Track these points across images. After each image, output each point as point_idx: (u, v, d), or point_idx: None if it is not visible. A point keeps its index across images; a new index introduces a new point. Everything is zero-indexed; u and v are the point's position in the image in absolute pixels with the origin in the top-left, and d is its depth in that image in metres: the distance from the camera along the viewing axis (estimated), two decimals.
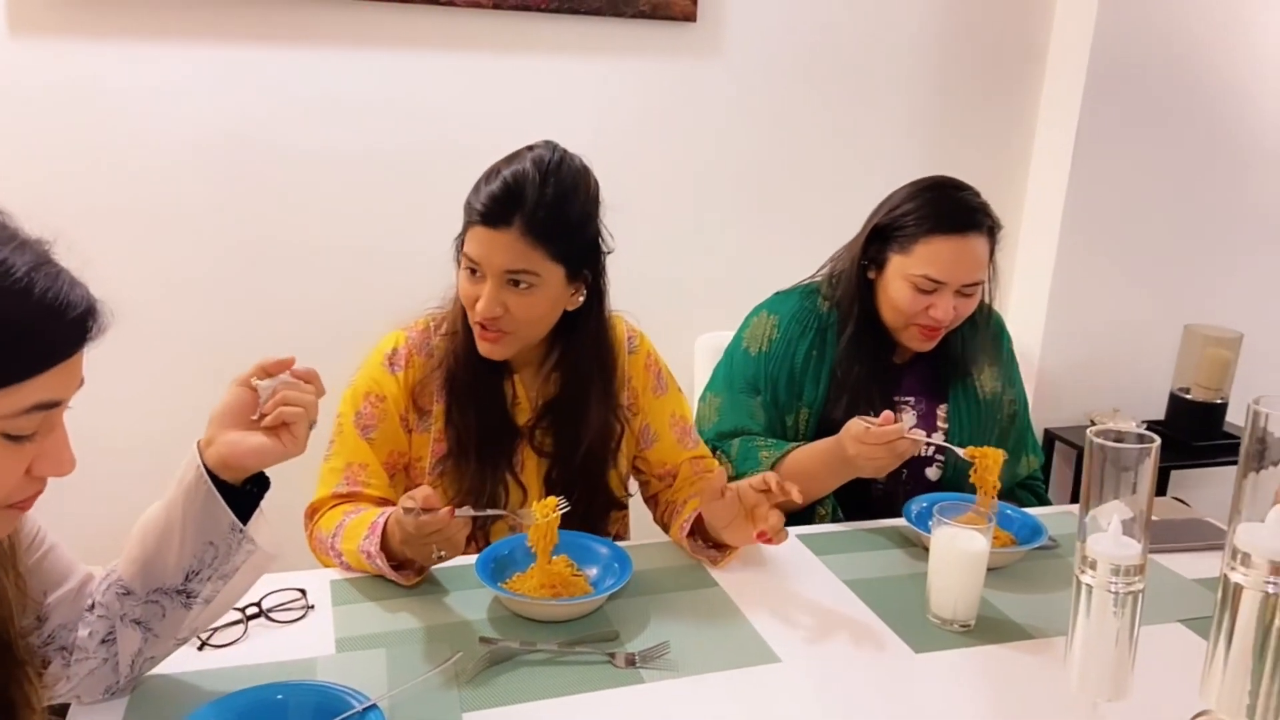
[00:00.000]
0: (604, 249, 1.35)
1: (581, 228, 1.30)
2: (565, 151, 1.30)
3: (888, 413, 1.37)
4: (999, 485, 1.37)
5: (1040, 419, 2.48)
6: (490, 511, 1.23)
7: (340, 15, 2.03)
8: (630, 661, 1.09)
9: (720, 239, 2.39)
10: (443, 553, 1.14)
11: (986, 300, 1.61)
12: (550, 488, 1.36)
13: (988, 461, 1.36)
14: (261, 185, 2.08)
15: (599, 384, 1.38)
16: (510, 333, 1.29)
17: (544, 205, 1.23)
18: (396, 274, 2.01)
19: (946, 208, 1.51)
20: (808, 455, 1.49)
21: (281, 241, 2.11)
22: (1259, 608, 0.66)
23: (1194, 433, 2.43)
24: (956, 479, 1.60)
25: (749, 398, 1.62)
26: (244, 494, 0.95)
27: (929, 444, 1.57)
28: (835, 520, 1.56)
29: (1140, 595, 0.77)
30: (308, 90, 2.06)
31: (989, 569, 1.28)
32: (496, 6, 2.07)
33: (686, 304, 2.35)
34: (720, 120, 2.30)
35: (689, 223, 2.36)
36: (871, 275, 1.58)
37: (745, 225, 2.40)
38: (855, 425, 1.38)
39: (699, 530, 1.34)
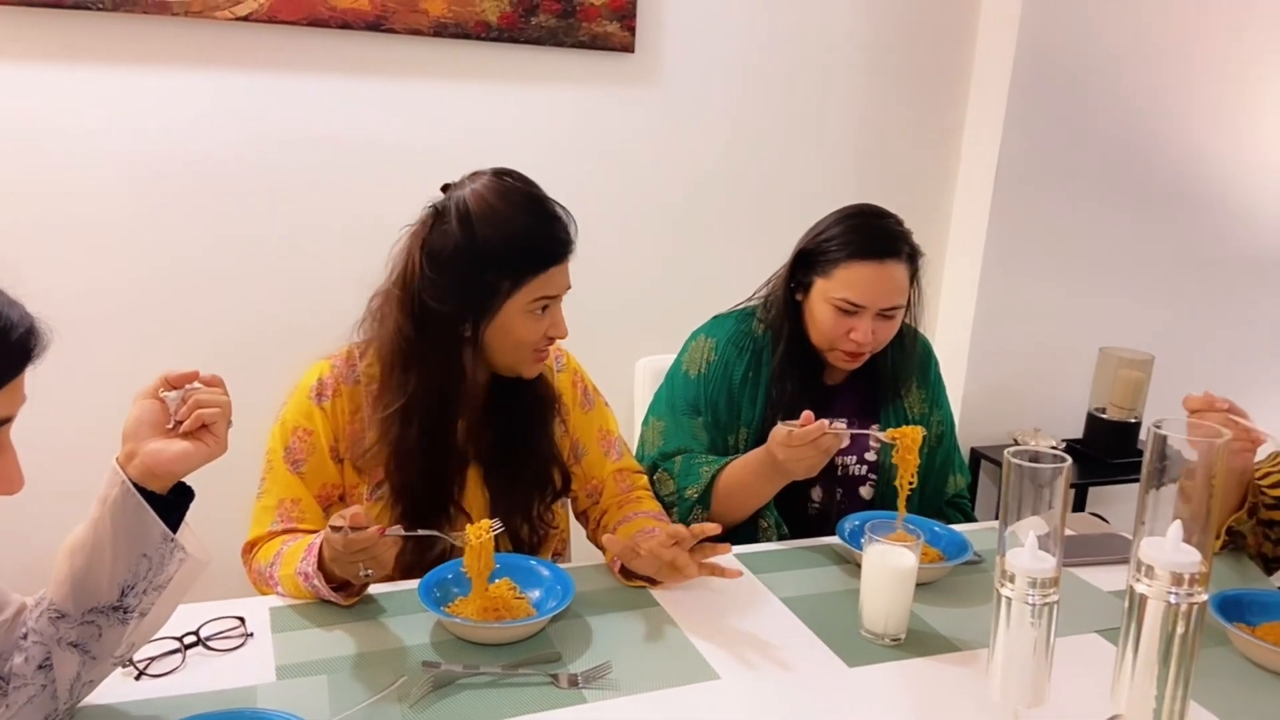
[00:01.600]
0: None
1: None
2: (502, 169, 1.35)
3: (808, 413, 1.42)
4: (919, 461, 1.44)
5: (967, 439, 2.57)
6: (422, 532, 1.23)
7: (278, 40, 2.03)
8: (573, 682, 1.10)
9: (660, 264, 2.43)
10: (370, 572, 1.15)
11: (912, 324, 1.67)
12: (494, 511, 1.37)
13: (908, 441, 1.43)
14: (197, 209, 2.06)
15: (539, 405, 1.41)
16: None
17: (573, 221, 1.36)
18: (330, 300, 2.00)
19: (867, 234, 1.57)
20: (742, 466, 1.54)
21: (213, 266, 2.09)
22: (1162, 616, 0.71)
23: (1110, 450, 2.54)
24: (891, 496, 1.65)
25: (691, 419, 1.66)
26: (169, 504, 0.95)
27: (852, 433, 1.61)
28: (779, 531, 1.60)
29: (1055, 607, 0.82)
30: (245, 115, 2.05)
31: (918, 584, 1.33)
32: (437, 34, 2.09)
33: (627, 328, 2.38)
34: (659, 148, 2.35)
35: (629, 248, 2.40)
36: (799, 298, 1.64)
37: (684, 250, 2.44)
38: (779, 431, 1.43)
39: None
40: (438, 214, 1.30)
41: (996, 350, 2.63)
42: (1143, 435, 2.57)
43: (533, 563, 1.31)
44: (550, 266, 1.30)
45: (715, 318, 1.76)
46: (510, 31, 2.13)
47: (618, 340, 2.29)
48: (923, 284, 1.64)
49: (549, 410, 1.44)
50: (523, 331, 1.31)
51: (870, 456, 1.68)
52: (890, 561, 1.25)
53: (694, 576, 1.30)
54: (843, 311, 1.56)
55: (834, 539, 1.51)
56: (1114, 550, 1.55)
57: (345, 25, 2.04)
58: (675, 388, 1.70)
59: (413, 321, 1.29)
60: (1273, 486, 1.48)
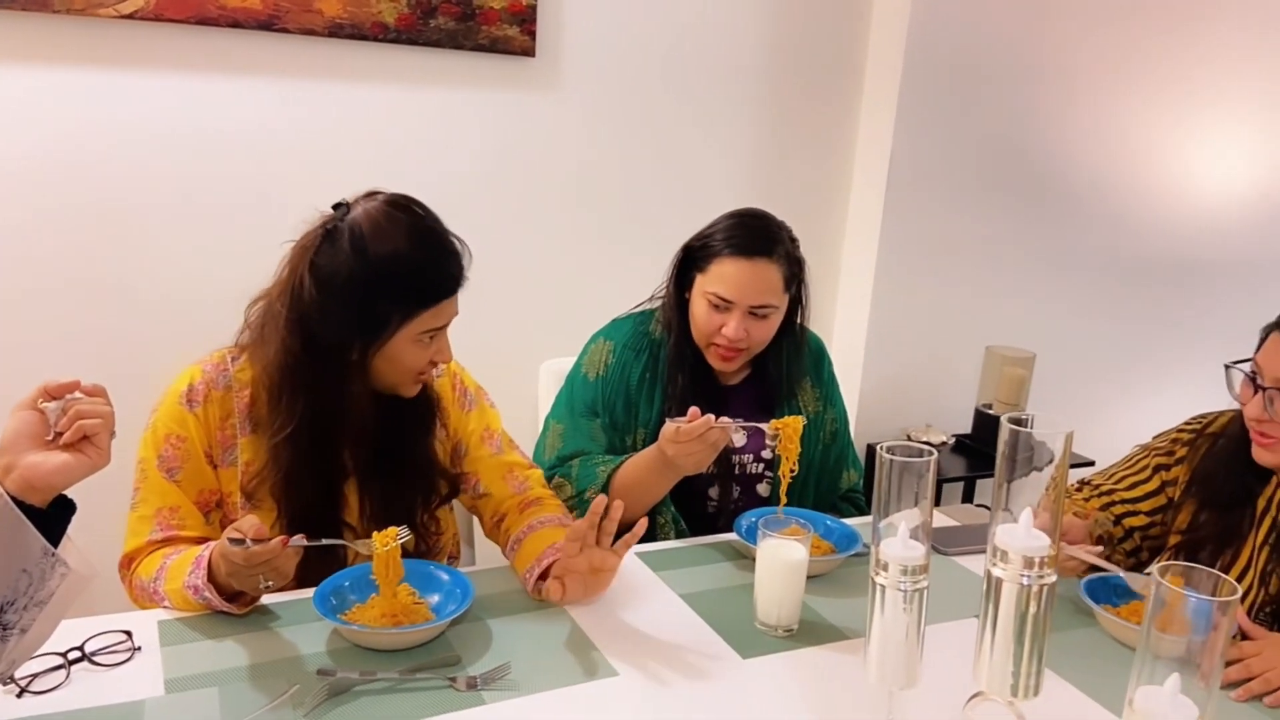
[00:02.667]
0: None
1: None
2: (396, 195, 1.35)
3: (694, 409, 1.46)
4: (800, 449, 1.49)
5: (862, 435, 2.66)
6: (325, 541, 1.22)
7: (166, 39, 1.97)
8: (471, 684, 1.11)
9: (563, 267, 2.45)
10: (270, 583, 1.14)
11: (801, 324, 1.73)
12: (377, 523, 1.36)
13: (789, 431, 1.48)
14: (80, 211, 1.98)
15: (418, 413, 1.41)
16: None
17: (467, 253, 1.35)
18: (215, 305, 1.97)
19: (742, 232, 1.62)
20: (635, 464, 1.57)
21: (96, 270, 2.02)
22: (1016, 598, 0.76)
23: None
24: (788, 494, 1.70)
25: (589, 421, 1.68)
26: (50, 518, 0.92)
27: (738, 425, 1.64)
28: (677, 528, 1.64)
29: (925, 592, 0.87)
30: (131, 115, 1.98)
31: (810, 576, 1.39)
32: (332, 34, 2.06)
33: (531, 331, 2.39)
34: (560, 152, 2.37)
35: (531, 252, 2.41)
36: (687, 296, 1.69)
37: (586, 253, 2.47)
38: (668, 428, 1.47)
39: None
40: (328, 234, 1.28)
41: (890, 350, 2.73)
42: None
43: (432, 567, 1.31)
44: (441, 301, 1.31)
45: (614, 320, 1.79)
46: (408, 33, 2.12)
47: (522, 343, 2.30)
48: (808, 286, 1.69)
49: (429, 418, 1.44)
50: (409, 359, 1.32)
51: (766, 455, 1.73)
52: (782, 555, 1.29)
53: (617, 564, 1.29)
54: (715, 307, 1.61)
55: (731, 535, 1.56)
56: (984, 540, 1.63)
57: (236, 24, 1.99)
58: (574, 390, 1.72)
59: (300, 343, 1.27)
60: (1130, 488, 1.57)
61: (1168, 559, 1.52)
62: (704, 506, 1.71)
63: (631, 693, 1.13)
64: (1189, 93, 2.89)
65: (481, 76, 2.24)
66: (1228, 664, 1.22)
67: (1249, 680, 1.20)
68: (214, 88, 2.04)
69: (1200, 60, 2.87)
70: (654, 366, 1.70)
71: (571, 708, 1.09)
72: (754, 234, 1.62)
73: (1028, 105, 2.71)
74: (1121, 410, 3.04)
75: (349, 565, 1.31)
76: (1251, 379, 1.34)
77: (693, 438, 1.44)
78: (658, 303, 1.76)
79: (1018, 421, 0.78)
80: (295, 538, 1.14)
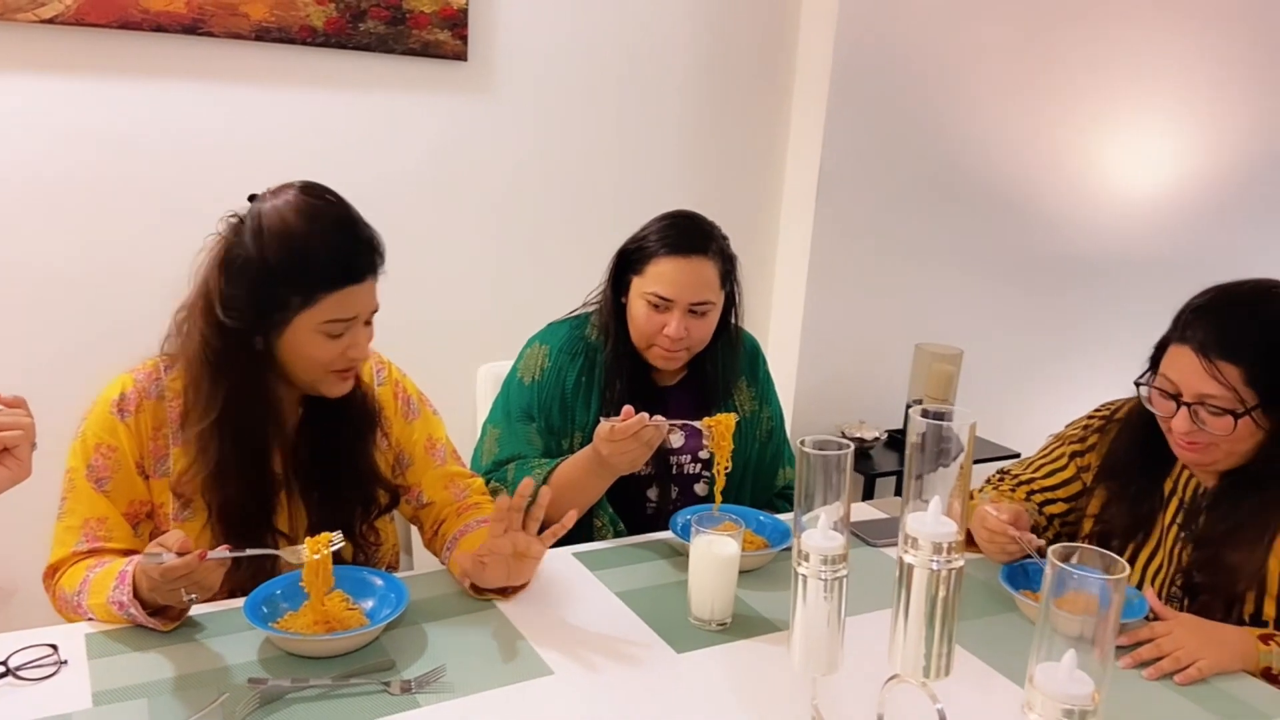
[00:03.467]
0: None
1: None
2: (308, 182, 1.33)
3: (628, 408, 1.48)
4: (734, 446, 1.52)
5: (798, 433, 2.70)
6: (251, 551, 1.21)
7: (88, 44, 1.93)
8: (406, 688, 1.12)
9: (499, 271, 2.45)
10: (193, 596, 1.13)
11: (735, 323, 1.76)
12: (315, 532, 1.36)
13: (721, 428, 1.52)
14: (6, 217, 1.94)
15: (357, 422, 1.40)
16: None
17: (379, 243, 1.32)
18: (142, 311, 1.93)
19: (676, 232, 1.65)
20: (571, 466, 1.58)
21: (18, 276, 1.98)
22: (926, 583, 0.79)
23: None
24: (726, 494, 1.73)
25: (525, 425, 1.69)
26: None
27: (672, 426, 1.67)
28: (615, 529, 1.65)
29: (844, 581, 0.90)
30: (53, 120, 1.94)
31: (744, 571, 1.42)
32: (259, 38, 2.04)
33: (468, 335, 2.39)
34: (494, 156, 2.37)
35: (467, 256, 2.41)
36: (623, 300, 1.70)
37: (522, 256, 2.48)
38: (602, 428, 1.48)
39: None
40: (238, 224, 1.28)
41: (824, 348, 2.78)
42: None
43: (365, 573, 1.31)
44: (344, 286, 1.26)
45: (549, 325, 1.80)
46: (338, 37, 2.10)
47: (459, 348, 2.30)
48: (741, 284, 1.72)
49: (369, 427, 1.43)
50: (316, 351, 1.28)
51: (704, 455, 1.76)
52: (714, 550, 1.32)
53: (541, 553, 1.28)
54: (655, 307, 1.63)
55: (668, 534, 1.58)
56: None
57: (159, 28, 1.96)
58: (510, 395, 1.73)
59: (215, 332, 1.27)
60: (1048, 476, 1.63)
61: (1084, 543, 1.58)
62: (642, 507, 1.73)
63: (566, 690, 1.15)
64: (1105, 97, 3.00)
65: (413, 80, 2.23)
66: (1139, 644, 1.28)
67: (1159, 659, 1.26)
68: (138, 93, 2.00)
69: (1115, 64, 2.98)
70: (590, 370, 1.71)
71: (506, 707, 1.10)
72: (687, 233, 1.65)
73: (954, 109, 2.79)
74: (1044, 403, 3.13)
75: (281, 574, 1.30)
76: (1171, 396, 1.35)
77: (627, 435, 1.46)
78: (593, 307, 1.77)
79: (932, 415, 0.81)
80: (215, 550, 1.13)
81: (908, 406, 2.77)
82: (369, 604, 1.27)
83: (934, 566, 0.79)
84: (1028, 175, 2.97)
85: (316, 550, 1.18)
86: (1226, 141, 3.28)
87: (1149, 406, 1.41)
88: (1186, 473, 1.45)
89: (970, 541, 1.53)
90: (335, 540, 1.20)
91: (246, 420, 1.29)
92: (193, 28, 1.98)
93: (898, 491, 2.73)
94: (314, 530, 1.29)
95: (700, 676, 1.20)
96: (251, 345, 1.28)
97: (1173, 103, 3.13)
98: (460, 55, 2.24)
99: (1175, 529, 1.45)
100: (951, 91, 2.77)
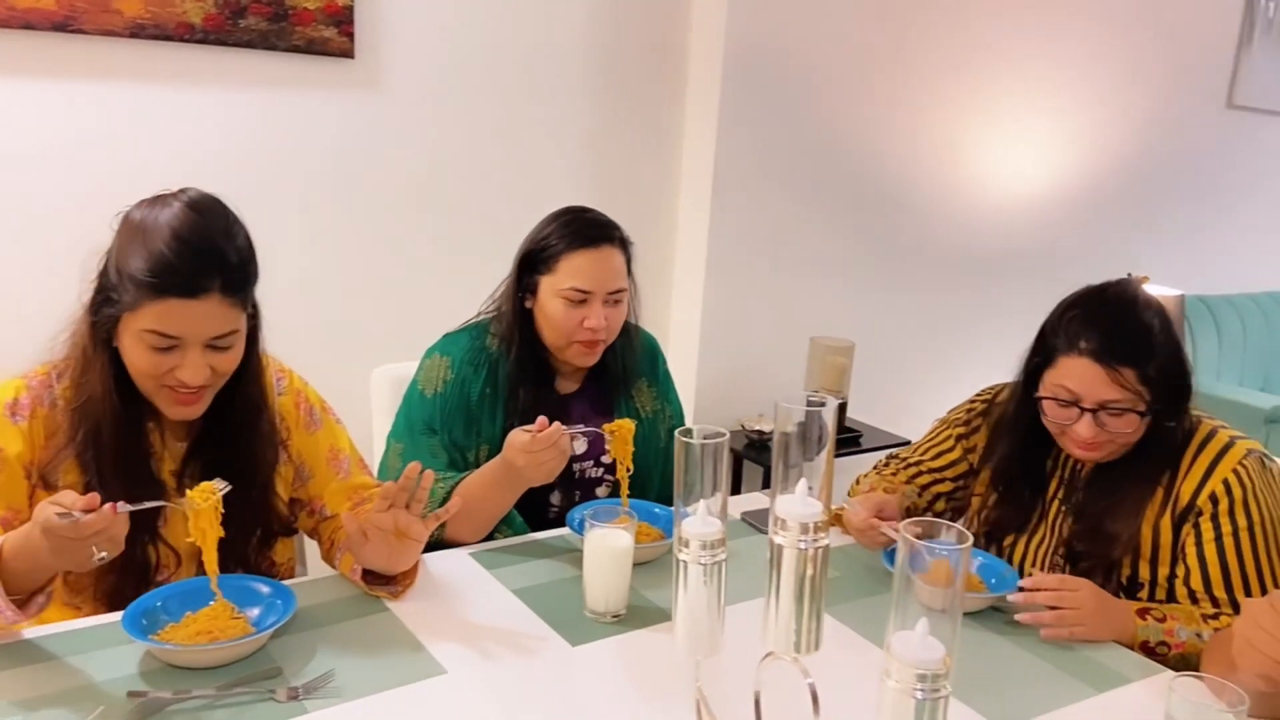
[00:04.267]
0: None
1: (255, 265, 1.29)
2: (204, 192, 1.29)
3: (542, 418, 1.47)
4: (634, 449, 1.53)
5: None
6: (150, 504, 1.16)
7: None
8: (293, 695, 1.10)
9: (391, 271, 2.42)
10: (104, 553, 1.08)
11: (633, 318, 1.77)
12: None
13: (622, 433, 1.53)
14: None
15: (252, 424, 1.38)
16: (210, 387, 1.28)
17: (240, 258, 1.24)
18: (13, 317, 1.85)
19: (580, 226, 1.67)
20: (479, 480, 1.56)
21: None
22: (795, 562, 0.83)
23: None
24: (632, 492, 1.74)
25: (428, 439, 1.66)
26: None
27: (583, 431, 1.66)
28: (521, 534, 1.64)
29: (723, 565, 0.93)
30: None
31: (638, 563, 1.44)
32: (134, 35, 1.97)
33: (360, 337, 2.36)
34: (383, 155, 2.34)
35: (359, 256, 2.37)
36: (529, 304, 1.70)
37: (418, 256, 2.45)
38: (518, 437, 1.47)
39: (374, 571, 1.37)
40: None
41: (723, 344, 2.83)
42: (850, 414, 2.87)
43: (251, 581, 1.29)
44: (167, 298, 1.18)
45: (447, 336, 1.76)
46: (217, 34, 2.05)
47: (352, 350, 2.26)
48: (636, 276, 1.73)
49: (266, 450, 1.39)
50: (138, 359, 1.22)
51: (606, 459, 1.76)
52: (608, 543, 1.33)
53: (422, 534, 1.27)
54: (573, 302, 1.63)
55: (565, 530, 1.59)
56: None
57: (28, 26, 1.88)
58: (412, 408, 1.69)
59: (84, 327, 1.25)
60: (935, 458, 1.70)
61: (970, 523, 1.66)
62: (545, 513, 1.73)
63: (460, 688, 1.15)
64: (989, 96, 3.14)
65: (299, 78, 2.19)
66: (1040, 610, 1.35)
67: (1051, 610, 1.34)
68: (7, 92, 1.91)
69: (994, 64, 3.12)
70: (494, 381, 1.69)
71: (397, 709, 1.10)
72: (591, 225, 1.67)
73: (843, 107, 2.87)
74: (932, 390, 3.25)
75: (162, 584, 1.27)
76: (1070, 404, 1.41)
77: (547, 445, 1.45)
78: (489, 315, 1.75)
79: (817, 403, 0.85)
80: (121, 503, 1.08)
81: (805, 399, 2.85)
82: (255, 612, 1.24)
83: (801, 546, 0.83)
84: (914, 172, 3.08)
85: (205, 498, 1.15)
86: (1098, 139, 3.47)
87: (1047, 420, 1.46)
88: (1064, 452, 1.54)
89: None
90: (220, 486, 1.17)
91: (115, 409, 1.26)
92: (63, 25, 1.91)
93: None
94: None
95: (594, 668, 1.22)
96: (109, 341, 1.25)
97: (1048, 101, 3.29)
98: (347, 52, 2.21)
99: (1057, 503, 1.54)
100: (840, 90, 2.85)
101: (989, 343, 3.32)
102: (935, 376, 3.29)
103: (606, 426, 1.54)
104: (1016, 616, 1.35)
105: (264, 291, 1.33)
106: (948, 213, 3.19)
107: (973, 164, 3.19)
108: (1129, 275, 2.92)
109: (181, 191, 1.26)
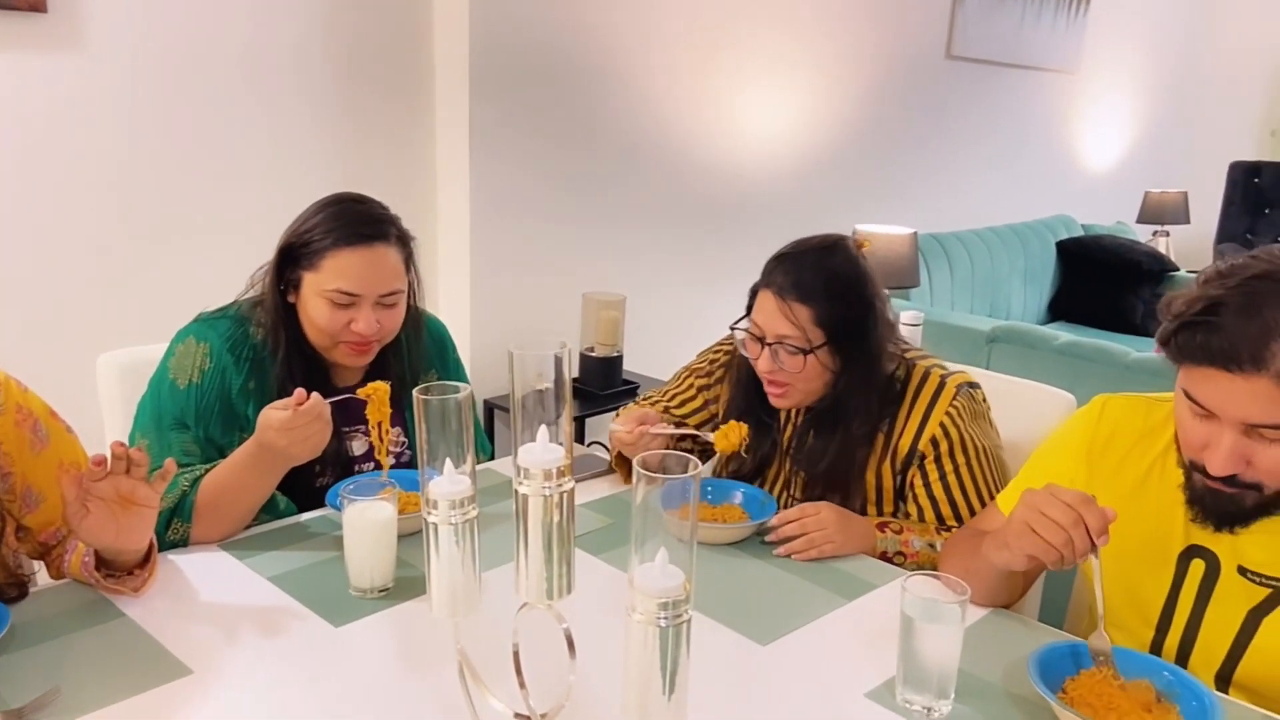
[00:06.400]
0: None
1: None
2: None
3: (300, 391, 1.36)
4: (390, 411, 1.47)
5: (479, 394, 2.71)
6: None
7: None
8: (13, 718, 0.99)
9: (110, 250, 2.20)
10: None
11: (417, 308, 1.64)
12: None
13: (379, 395, 1.45)
14: None
15: None
16: None
17: None
18: None
19: (349, 219, 1.50)
20: (230, 468, 1.42)
21: None
22: (540, 510, 0.82)
23: (603, 383, 2.84)
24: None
25: (180, 434, 1.50)
26: None
27: (336, 401, 1.56)
28: (290, 514, 1.54)
29: (475, 523, 0.91)
30: None
31: (409, 534, 1.39)
32: None
33: (82, 321, 2.14)
34: (91, 121, 2.11)
35: (70, 235, 2.13)
36: (292, 299, 1.54)
37: (138, 232, 2.23)
38: (276, 416, 1.34)
39: (107, 561, 1.24)
40: None
41: (495, 310, 2.80)
42: (626, 366, 2.92)
43: None
44: None
45: (206, 319, 1.57)
46: None
47: (73, 335, 2.05)
48: (419, 267, 1.61)
49: None
50: None
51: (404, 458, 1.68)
52: (369, 516, 1.28)
53: (151, 498, 1.18)
54: (339, 304, 1.49)
55: (328, 510, 1.51)
56: (593, 467, 1.76)
57: None
58: (161, 399, 1.51)
59: None
60: (680, 405, 1.75)
61: (719, 471, 1.72)
62: (315, 492, 1.62)
63: (208, 688, 1.07)
64: (735, 58, 3.25)
65: None
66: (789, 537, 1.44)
67: (800, 536, 1.43)
68: None
69: (743, 29, 3.23)
70: (259, 375, 1.53)
71: (139, 717, 1.01)
72: (362, 219, 1.51)
73: (601, 71, 2.88)
74: (704, 340, 3.37)
75: None
76: (757, 338, 1.50)
77: (312, 418, 1.34)
78: (252, 295, 1.58)
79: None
80: None
81: (582, 355, 2.87)
82: None
83: (546, 493, 0.82)
84: (669, 130, 3.15)
85: None
86: (836, 94, 3.68)
87: (743, 351, 1.54)
88: None
89: (624, 462, 1.62)
90: None
91: None
92: None
93: (578, 439, 2.83)
94: None
95: (359, 646, 1.17)
96: None
97: (789, 61, 3.45)
98: (37, 6, 1.96)
99: (789, 457, 1.62)
100: (591, 52, 2.85)
101: (745, 291, 3.48)
102: (702, 324, 3.40)
103: (361, 391, 1.46)
104: (774, 552, 1.43)
105: None
106: (702, 167, 3.29)
107: (724, 120, 3.30)
108: (852, 233, 3.16)
109: None
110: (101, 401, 1.77)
